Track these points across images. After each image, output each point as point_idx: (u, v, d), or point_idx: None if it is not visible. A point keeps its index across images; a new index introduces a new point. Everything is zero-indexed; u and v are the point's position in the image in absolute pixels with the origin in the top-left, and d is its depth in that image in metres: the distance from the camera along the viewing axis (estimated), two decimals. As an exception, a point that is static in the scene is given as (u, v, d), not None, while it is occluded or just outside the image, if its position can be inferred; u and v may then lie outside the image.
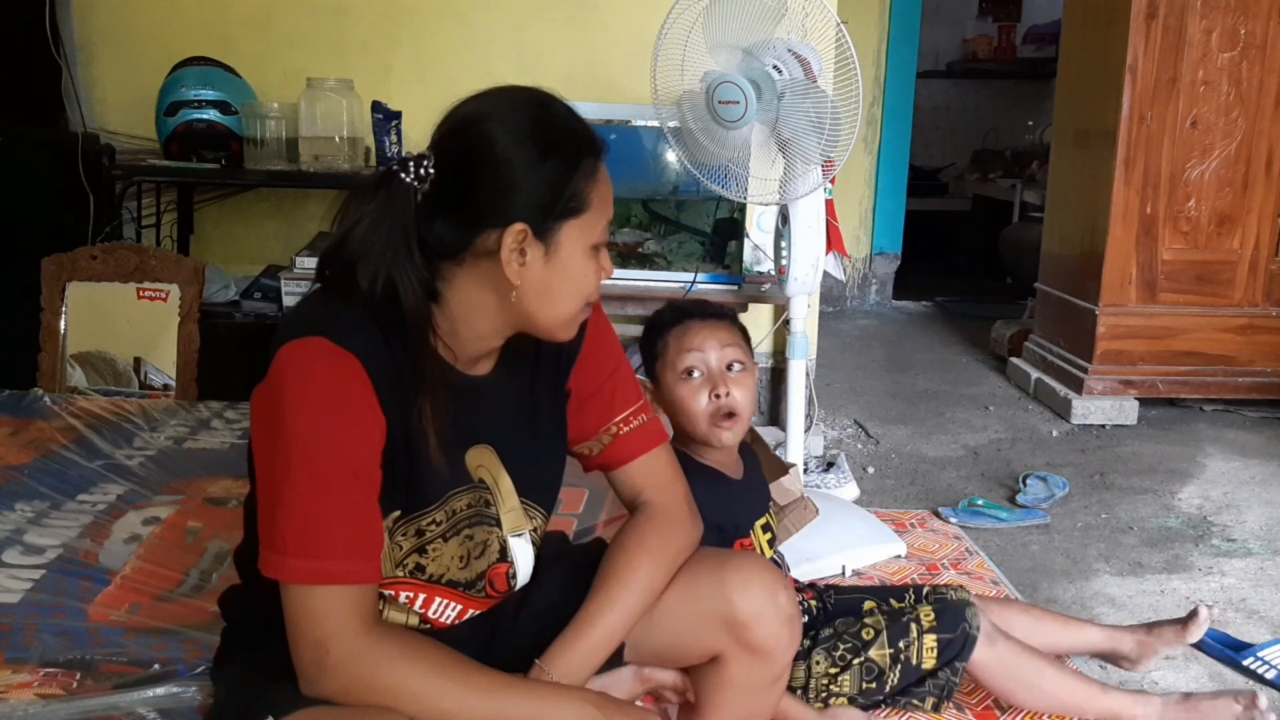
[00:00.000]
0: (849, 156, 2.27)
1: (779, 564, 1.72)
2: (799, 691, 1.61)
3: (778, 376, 3.09)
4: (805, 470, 2.69)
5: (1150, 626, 1.85)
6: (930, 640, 1.60)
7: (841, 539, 2.29)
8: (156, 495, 2.17)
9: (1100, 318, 3.49)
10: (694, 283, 2.76)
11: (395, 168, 1.14)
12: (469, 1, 3.21)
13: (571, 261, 1.17)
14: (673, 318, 1.60)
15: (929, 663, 1.60)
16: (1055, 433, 3.41)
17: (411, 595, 1.20)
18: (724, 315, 1.62)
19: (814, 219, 2.38)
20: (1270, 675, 1.90)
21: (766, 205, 2.60)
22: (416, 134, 2.90)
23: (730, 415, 1.56)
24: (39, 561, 1.86)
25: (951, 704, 1.68)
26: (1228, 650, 1.97)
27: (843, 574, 2.23)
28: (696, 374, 1.57)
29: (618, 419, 1.34)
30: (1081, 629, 1.87)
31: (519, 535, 1.28)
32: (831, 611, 1.68)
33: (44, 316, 2.87)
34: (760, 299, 2.81)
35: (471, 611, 1.26)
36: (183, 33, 3.16)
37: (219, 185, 3.21)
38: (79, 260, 2.88)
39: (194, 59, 3.04)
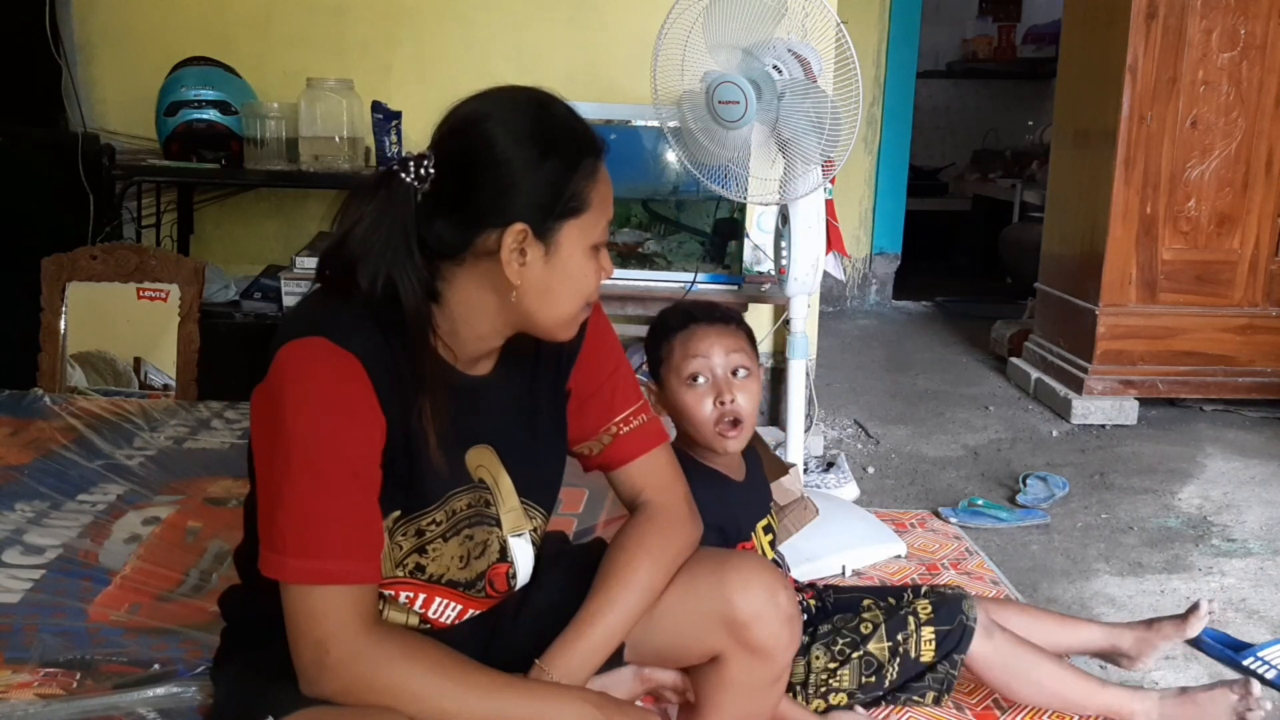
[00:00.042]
0: (849, 156, 2.27)
1: (780, 564, 1.72)
2: (799, 687, 1.61)
3: (778, 376, 3.09)
4: (805, 470, 2.69)
5: (1150, 622, 1.85)
6: (928, 633, 1.61)
7: (841, 539, 2.29)
8: (156, 495, 2.17)
9: (1100, 318, 3.49)
10: (694, 283, 2.75)
11: (395, 168, 1.14)
12: (469, 1, 3.21)
13: (571, 261, 1.17)
14: (678, 321, 1.59)
15: (927, 655, 1.61)
16: (1055, 433, 3.41)
17: (411, 595, 1.20)
18: (730, 319, 1.60)
19: (814, 219, 2.38)
20: (1270, 675, 1.90)
21: (766, 205, 2.60)
22: (416, 134, 2.91)
23: (735, 423, 1.56)
24: (39, 561, 1.86)
25: (951, 704, 1.68)
26: (1227, 650, 1.97)
27: (843, 574, 2.23)
28: (702, 380, 1.56)
29: (618, 419, 1.34)
30: (1080, 627, 1.87)
31: (519, 535, 1.28)
32: (830, 610, 1.69)
33: (44, 316, 2.87)
34: (760, 299, 2.81)
35: (471, 611, 1.26)
36: (183, 33, 3.16)
37: (219, 185, 3.22)
38: (79, 260, 2.89)
39: (194, 59, 3.04)
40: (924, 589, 1.69)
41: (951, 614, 1.62)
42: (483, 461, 1.24)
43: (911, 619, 1.62)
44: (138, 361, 2.91)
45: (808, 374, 2.62)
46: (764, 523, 1.67)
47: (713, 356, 1.56)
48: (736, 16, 2.21)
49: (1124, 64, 3.34)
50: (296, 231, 3.25)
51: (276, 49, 3.20)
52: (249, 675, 1.22)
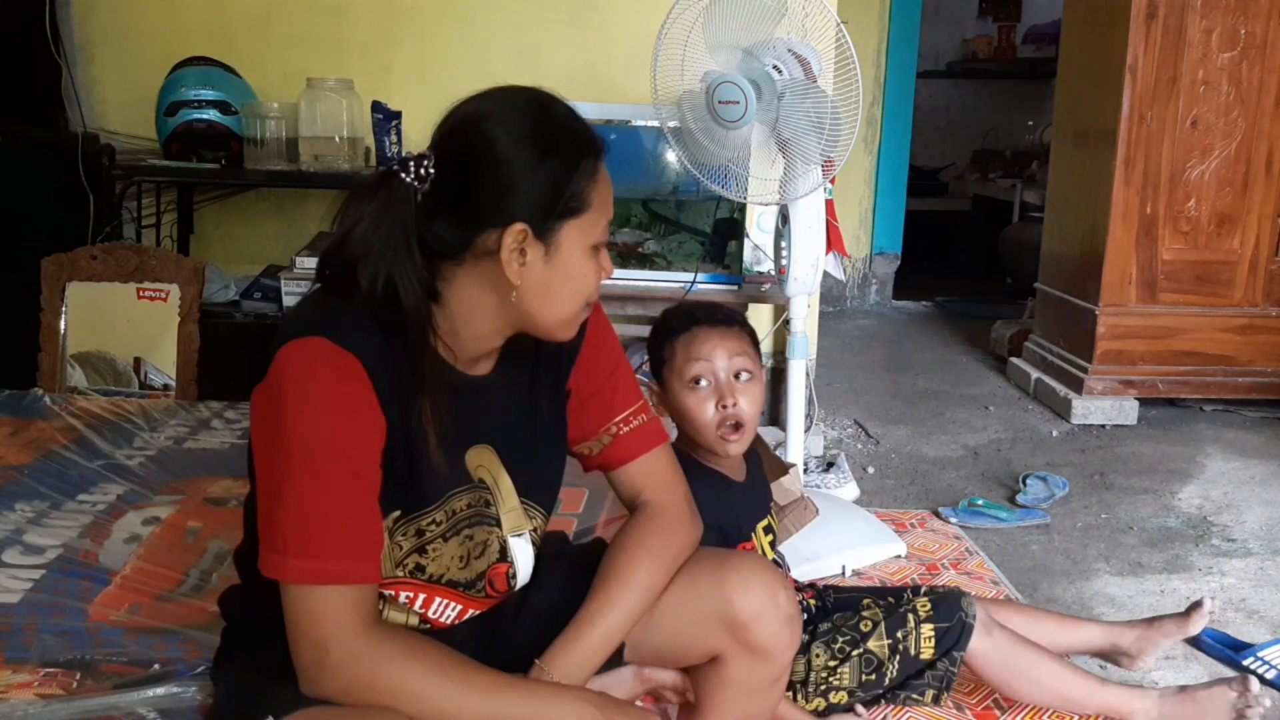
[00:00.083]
0: (849, 156, 2.27)
1: (780, 564, 1.72)
2: (799, 686, 1.61)
3: (778, 376, 3.09)
4: (805, 470, 2.69)
5: (1151, 620, 1.85)
6: (927, 630, 1.61)
7: (841, 539, 2.29)
8: (156, 495, 2.17)
9: (1100, 318, 3.49)
10: (694, 283, 2.75)
11: (395, 168, 1.14)
12: (469, 1, 3.21)
13: (571, 261, 1.17)
14: (681, 323, 1.59)
15: (927, 653, 1.61)
16: (1055, 433, 3.41)
17: (411, 595, 1.20)
18: (733, 322, 1.60)
19: (814, 219, 2.38)
20: (1270, 675, 1.90)
21: (766, 205, 2.60)
22: (416, 134, 2.91)
23: (737, 427, 1.56)
24: (39, 561, 1.86)
25: (951, 704, 1.68)
26: (1227, 650, 1.97)
27: (843, 574, 2.23)
28: (704, 383, 1.56)
29: (618, 419, 1.34)
30: (1080, 627, 1.87)
31: (519, 535, 1.28)
32: (830, 610, 1.69)
33: (44, 316, 2.87)
34: (760, 299, 2.81)
35: (471, 611, 1.26)
36: (183, 33, 3.16)
37: (219, 185, 3.22)
38: (79, 260, 2.89)
39: (194, 59, 3.04)
40: (923, 589, 1.69)
41: (951, 611, 1.62)
42: (483, 461, 1.24)
43: (911, 616, 1.62)
44: (138, 361, 2.91)
45: (808, 374, 2.62)
46: (764, 523, 1.67)
47: (715, 359, 1.55)
48: (736, 16, 2.21)
49: (1124, 64, 3.34)
50: (296, 231, 3.25)
51: (276, 49, 3.20)
52: (249, 675, 1.21)
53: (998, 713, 1.71)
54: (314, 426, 1.08)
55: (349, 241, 1.14)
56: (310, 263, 2.74)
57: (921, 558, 2.36)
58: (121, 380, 2.90)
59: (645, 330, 1.65)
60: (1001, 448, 3.26)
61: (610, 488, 1.39)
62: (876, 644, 1.61)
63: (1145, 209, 3.44)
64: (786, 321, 2.53)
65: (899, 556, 2.34)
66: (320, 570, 1.08)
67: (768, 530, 1.68)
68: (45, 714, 1.43)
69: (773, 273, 2.68)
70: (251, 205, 3.31)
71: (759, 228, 2.79)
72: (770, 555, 1.67)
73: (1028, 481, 2.84)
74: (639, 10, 3.03)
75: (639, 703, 1.36)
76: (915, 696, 1.64)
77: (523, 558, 1.29)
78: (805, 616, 1.62)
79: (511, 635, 1.29)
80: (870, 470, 3.02)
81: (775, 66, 2.24)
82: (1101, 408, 3.48)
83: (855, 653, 1.61)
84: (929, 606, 1.63)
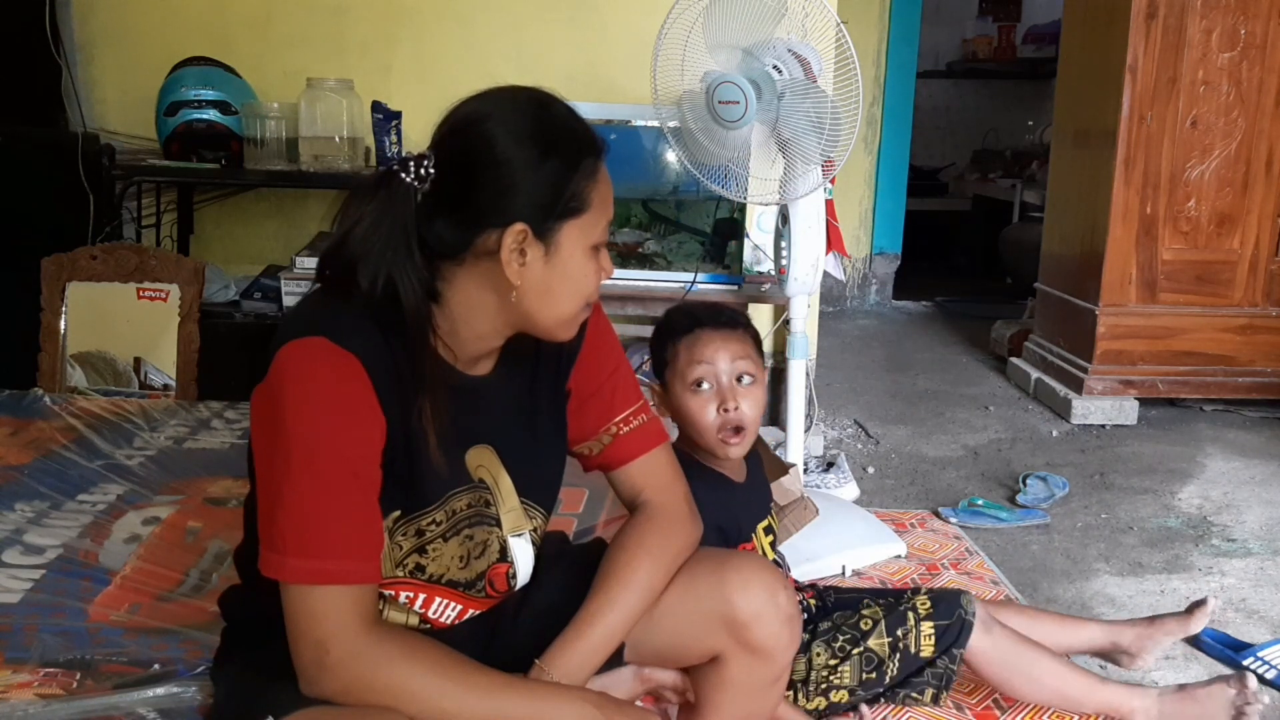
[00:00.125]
0: (849, 156, 2.27)
1: (780, 565, 1.72)
2: (800, 685, 1.61)
3: (778, 376, 3.09)
4: (805, 470, 2.69)
5: (1152, 619, 1.85)
6: (927, 627, 1.61)
7: (841, 539, 2.29)
8: (156, 495, 2.17)
9: (1100, 318, 3.49)
10: (694, 283, 2.75)
11: (395, 168, 1.14)
12: (469, 1, 3.21)
13: (571, 261, 1.17)
14: (684, 324, 1.58)
15: (927, 650, 1.61)
16: (1055, 433, 3.41)
17: (411, 595, 1.20)
18: (737, 324, 1.59)
19: (814, 219, 2.38)
20: (1270, 675, 1.90)
21: (766, 205, 2.60)
22: (416, 134, 2.91)
23: (738, 430, 1.56)
24: (39, 561, 1.86)
25: (951, 704, 1.68)
26: (1227, 650, 1.97)
27: (843, 574, 2.23)
28: (706, 386, 1.55)
29: (618, 419, 1.34)
30: (1080, 626, 1.87)
31: (519, 535, 1.28)
32: (830, 609, 1.69)
33: (44, 316, 2.87)
34: (760, 299, 2.81)
35: (471, 611, 1.26)
36: (183, 33, 3.16)
37: (219, 185, 3.22)
38: (79, 260, 2.89)
39: (194, 59, 3.04)
40: (923, 589, 1.69)
41: (950, 609, 1.62)
42: (483, 461, 1.24)
43: (911, 614, 1.62)
44: (138, 361, 2.91)
45: (808, 374, 2.62)
46: (765, 524, 1.67)
47: (718, 363, 1.55)
48: (736, 16, 2.21)
49: (1124, 64, 3.34)
50: (296, 231, 3.25)
51: (276, 49, 3.20)
52: (249, 675, 1.22)
53: (998, 713, 1.71)
54: (314, 426, 1.08)
55: (349, 241, 1.14)
56: (310, 263, 2.74)
57: (921, 558, 2.36)
58: (121, 380, 2.90)
59: (645, 330, 1.65)
60: (1001, 448, 3.26)
61: (610, 488, 1.39)
62: (877, 642, 1.61)
63: (1145, 209, 3.44)
64: (786, 321, 2.53)
65: (899, 556, 2.34)
66: (320, 570, 1.08)
67: (768, 531, 1.68)
68: (45, 714, 1.43)
69: (773, 273, 2.68)
70: (251, 205, 3.31)
71: (759, 228, 2.79)
72: (771, 556, 1.67)
73: (1028, 481, 2.84)
74: (639, 10, 3.03)
75: (639, 703, 1.36)
76: (915, 695, 1.64)
77: (523, 558, 1.29)
78: (805, 616, 1.62)
79: (511, 635, 1.29)
80: (870, 470, 3.02)
81: (775, 66, 2.24)
82: (1101, 408, 3.48)
83: (856, 651, 1.61)
84: (929, 604, 1.63)
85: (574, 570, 1.32)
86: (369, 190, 1.15)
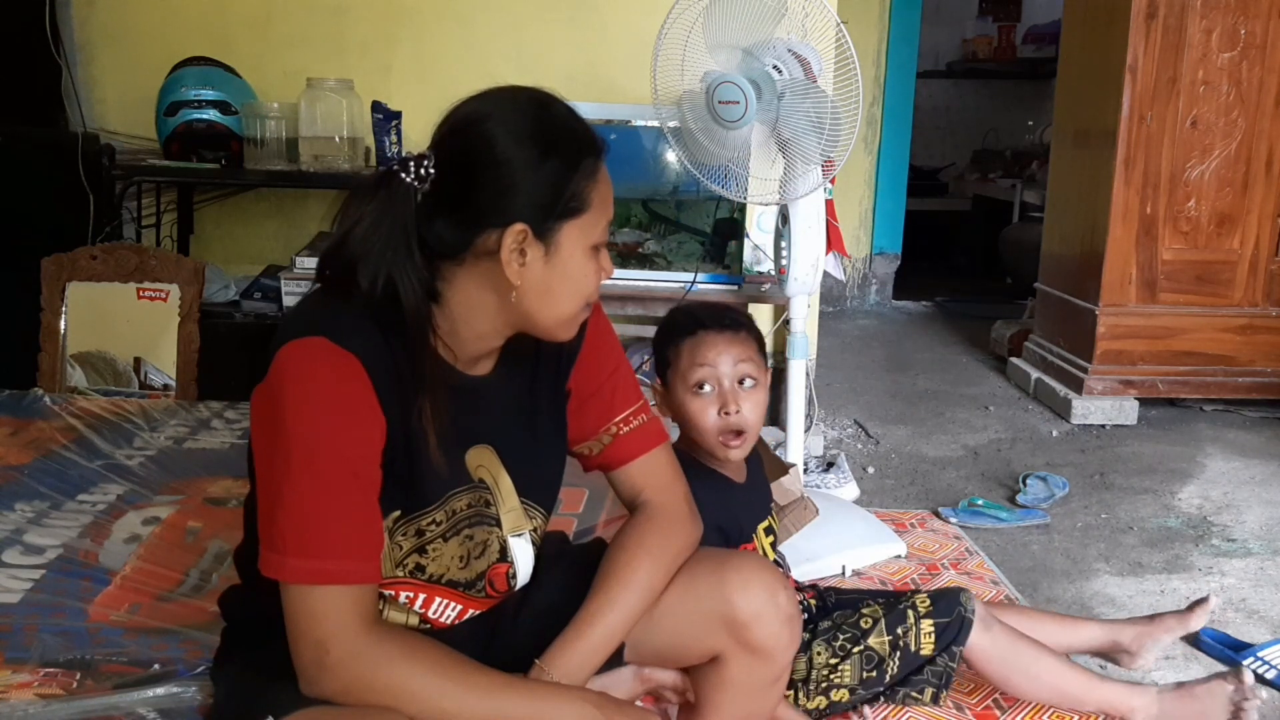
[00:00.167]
0: (849, 156, 2.27)
1: (780, 565, 1.72)
2: (800, 684, 1.61)
3: (778, 376, 3.08)
4: (805, 470, 2.69)
5: (1152, 617, 1.86)
6: (927, 625, 1.61)
7: (841, 539, 2.29)
8: (156, 495, 2.17)
9: (1100, 318, 3.49)
10: (694, 283, 2.75)
11: (395, 168, 1.14)
12: (469, 1, 3.21)
13: (571, 261, 1.17)
14: (687, 326, 1.58)
15: (927, 648, 1.61)
16: (1055, 433, 3.41)
17: (411, 595, 1.20)
18: (740, 326, 1.59)
19: (814, 219, 2.38)
20: (1270, 675, 1.90)
21: (766, 205, 2.60)
22: (416, 134, 2.91)
23: (739, 433, 1.56)
24: (39, 561, 1.86)
25: (951, 704, 1.68)
26: (1227, 650, 1.97)
27: (843, 574, 2.23)
28: (708, 388, 1.55)
29: (618, 419, 1.34)
30: (1080, 626, 1.87)
31: (519, 535, 1.28)
32: (830, 609, 1.69)
33: (44, 316, 2.87)
34: (760, 299, 2.81)
35: (471, 611, 1.26)
36: (183, 33, 3.16)
37: (219, 185, 3.22)
38: (79, 260, 2.89)
39: (194, 59, 3.04)
40: (923, 590, 1.69)
41: (950, 606, 1.62)
42: (483, 461, 1.24)
43: (910, 612, 1.62)
44: (138, 361, 2.91)
45: (808, 374, 2.62)
46: (765, 525, 1.67)
47: (720, 365, 1.55)
48: (736, 16, 2.21)
49: (1124, 64, 3.34)
50: (296, 231, 3.25)
51: (276, 49, 3.20)
52: (249, 675, 1.22)
53: (998, 712, 1.71)
54: (314, 426, 1.08)
55: (349, 241, 1.14)
56: (310, 263, 2.74)
57: (921, 558, 2.36)
58: (121, 380, 2.90)
59: (645, 330, 1.65)
60: (1001, 448, 3.26)
61: (610, 488, 1.39)
62: (877, 640, 1.61)
63: (1145, 209, 3.44)
64: (786, 321, 2.53)
65: (899, 556, 2.34)
66: (320, 570, 1.08)
67: (769, 531, 1.68)
68: (45, 714, 1.43)
69: (773, 273, 2.68)
70: (251, 205, 3.31)
71: (759, 228, 2.78)
72: (771, 556, 1.67)
73: (1028, 481, 2.84)
74: (639, 10, 3.03)
75: (639, 703, 1.36)
76: (914, 695, 1.64)
77: (523, 558, 1.29)
78: (805, 616, 1.62)
79: (511, 635, 1.29)
80: (870, 470, 3.02)
81: (775, 66, 2.24)
82: (1101, 408, 3.48)
83: (856, 650, 1.61)
84: (928, 602, 1.63)
85: (574, 570, 1.32)
86: (369, 190, 1.15)
